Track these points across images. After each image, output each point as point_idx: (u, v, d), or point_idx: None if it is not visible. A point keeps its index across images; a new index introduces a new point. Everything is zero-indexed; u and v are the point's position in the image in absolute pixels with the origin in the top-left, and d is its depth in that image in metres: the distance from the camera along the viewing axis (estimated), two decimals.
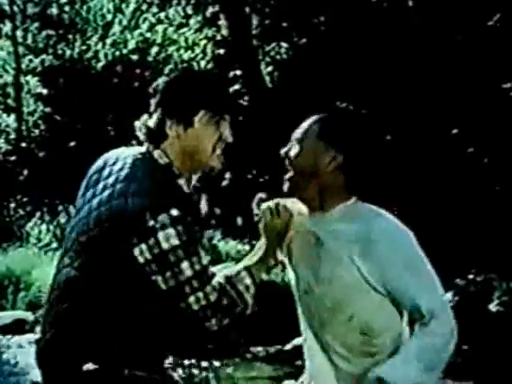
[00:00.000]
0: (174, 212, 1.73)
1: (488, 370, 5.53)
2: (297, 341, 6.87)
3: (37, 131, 14.94)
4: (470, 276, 7.60)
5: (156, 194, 1.74)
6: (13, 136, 14.86)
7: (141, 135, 1.84)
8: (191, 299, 1.77)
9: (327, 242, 1.75)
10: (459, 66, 9.41)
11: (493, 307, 6.92)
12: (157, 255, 1.73)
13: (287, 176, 1.78)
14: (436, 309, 1.69)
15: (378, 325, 1.74)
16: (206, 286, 1.77)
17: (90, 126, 13.95)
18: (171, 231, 1.72)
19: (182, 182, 1.82)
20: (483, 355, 5.77)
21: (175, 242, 1.73)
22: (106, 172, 1.82)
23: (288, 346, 6.83)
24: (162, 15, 14.27)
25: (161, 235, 1.72)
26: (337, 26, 10.67)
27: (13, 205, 11.74)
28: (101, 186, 1.79)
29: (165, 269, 1.74)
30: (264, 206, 1.85)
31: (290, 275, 1.90)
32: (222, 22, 12.64)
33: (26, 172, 13.88)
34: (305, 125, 1.80)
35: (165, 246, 1.73)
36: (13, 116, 15.01)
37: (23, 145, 14.65)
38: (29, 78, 15.10)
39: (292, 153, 1.77)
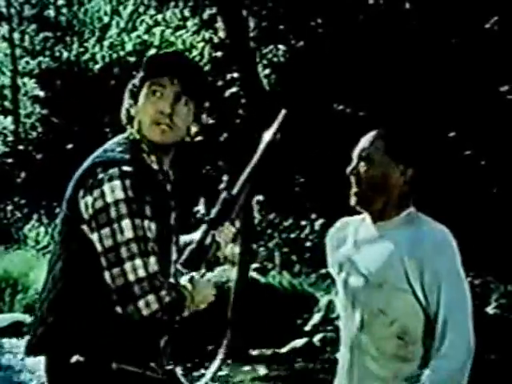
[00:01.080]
0: (126, 167, 1.67)
1: (486, 373, 5.53)
2: (294, 343, 6.88)
3: (34, 133, 14.94)
4: (468, 279, 7.61)
5: (112, 154, 1.72)
6: (10, 138, 14.86)
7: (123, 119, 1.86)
8: (127, 265, 1.62)
9: (384, 247, 1.84)
10: (456, 68, 9.43)
11: (490, 310, 6.93)
12: (99, 209, 1.64)
13: (354, 191, 1.87)
14: (452, 321, 1.77)
15: (414, 332, 1.82)
16: (147, 255, 1.63)
17: (87, 128, 13.94)
18: (117, 183, 1.64)
19: (151, 158, 1.78)
20: (481, 358, 5.77)
21: (120, 195, 1.64)
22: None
23: (285, 349, 6.82)
24: (160, 17, 14.27)
25: (106, 186, 1.64)
26: (334, 28, 10.68)
27: (10, 207, 11.74)
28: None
29: (104, 224, 1.63)
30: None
31: (338, 280, 1.95)
32: (220, 24, 12.65)
33: (23, 174, 13.87)
34: (367, 141, 1.87)
35: (108, 198, 1.64)
36: (10, 118, 15.01)
37: (20, 147, 14.64)
38: (26, 80, 15.10)
39: (361, 169, 1.85)
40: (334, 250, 1.97)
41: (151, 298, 1.62)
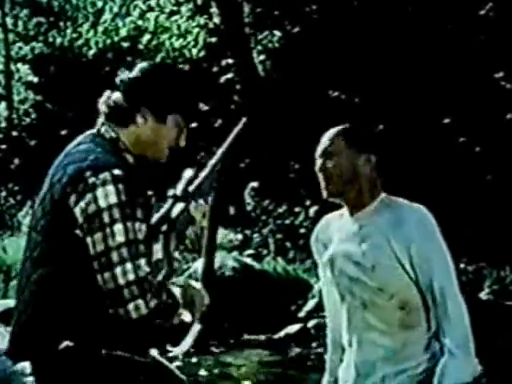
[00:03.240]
0: (117, 171, 1.70)
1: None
2: (288, 329, 6.90)
3: (28, 119, 14.86)
4: (461, 265, 7.64)
5: (97, 157, 1.75)
6: (3, 124, 14.78)
7: (104, 110, 1.85)
8: (118, 270, 1.67)
9: (368, 233, 1.99)
10: (451, 55, 9.41)
11: (484, 296, 6.96)
12: (92, 213, 1.68)
13: (325, 185, 2.03)
14: (447, 288, 1.94)
15: (414, 301, 1.97)
16: (137, 258, 1.68)
17: (81, 114, 13.88)
18: (111, 188, 1.68)
19: (128, 156, 1.82)
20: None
21: (113, 199, 1.67)
22: (57, 162, 1.84)
23: (279, 334, 6.85)
24: (153, 2, 14.18)
25: (99, 191, 1.68)
26: (329, 14, 10.64)
27: (4, 193, 11.70)
28: (53, 170, 1.82)
29: (96, 229, 1.68)
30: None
31: (328, 273, 2.09)
32: (214, 9, 12.57)
33: (17, 161, 13.82)
34: (327, 140, 2.05)
35: (102, 203, 1.68)
36: (3, 104, 14.92)
37: (14, 133, 14.57)
38: (19, 65, 15.00)
39: (329, 166, 2.02)
40: (322, 251, 2.12)
41: (140, 302, 1.67)
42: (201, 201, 1.92)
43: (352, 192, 2.00)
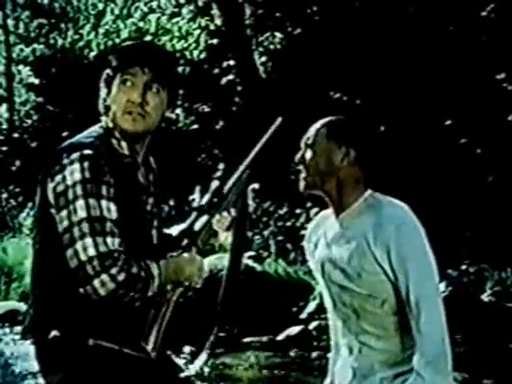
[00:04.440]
0: (87, 151, 1.72)
1: (481, 361, 5.56)
2: (289, 331, 6.89)
3: (29, 121, 14.87)
4: (463, 267, 7.63)
5: (77, 141, 1.78)
6: (5, 126, 14.80)
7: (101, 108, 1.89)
8: (78, 245, 1.65)
9: (352, 237, 1.88)
10: (453, 56, 9.41)
11: (485, 297, 6.95)
12: (59, 192, 1.71)
13: (302, 176, 1.92)
14: (422, 299, 1.82)
15: (405, 307, 1.87)
16: (100, 235, 1.66)
17: (82, 116, 13.88)
18: (77, 166, 1.70)
19: (121, 144, 1.82)
20: (476, 345, 5.80)
21: (77, 177, 1.69)
22: None
23: (280, 336, 6.84)
24: (154, 4, 14.19)
25: (67, 171, 1.71)
26: (330, 15, 10.64)
27: (5, 195, 11.71)
28: None
29: (62, 207, 1.69)
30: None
31: (322, 281, 2.02)
32: (215, 11, 12.58)
33: (18, 162, 13.82)
34: (312, 130, 1.95)
35: (68, 181, 1.70)
36: (4, 106, 14.95)
37: (15, 135, 14.58)
38: (20, 67, 15.02)
39: (307, 156, 1.91)
40: (312, 253, 2.04)
41: (104, 277, 1.64)
42: (225, 213, 1.90)
43: (329, 187, 1.89)
